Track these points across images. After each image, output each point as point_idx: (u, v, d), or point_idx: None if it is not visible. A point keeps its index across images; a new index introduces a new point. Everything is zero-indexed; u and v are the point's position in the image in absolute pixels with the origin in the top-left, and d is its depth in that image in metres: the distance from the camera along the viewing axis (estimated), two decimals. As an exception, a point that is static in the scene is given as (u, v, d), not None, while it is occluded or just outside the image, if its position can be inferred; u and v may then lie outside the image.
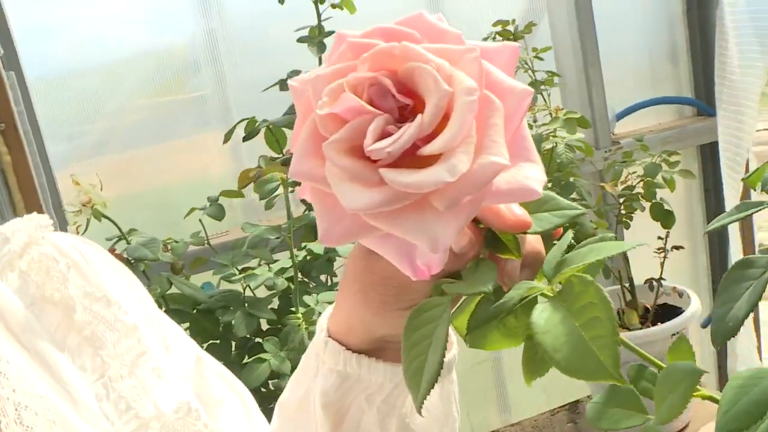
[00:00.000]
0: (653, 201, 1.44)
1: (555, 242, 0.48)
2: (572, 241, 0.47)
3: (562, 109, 1.33)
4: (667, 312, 1.44)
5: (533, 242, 0.45)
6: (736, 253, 1.64)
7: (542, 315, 0.40)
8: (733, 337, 0.50)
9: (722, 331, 0.51)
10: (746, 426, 0.43)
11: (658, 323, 1.39)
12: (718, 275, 1.78)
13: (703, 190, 1.85)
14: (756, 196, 1.95)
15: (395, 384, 0.54)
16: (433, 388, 0.40)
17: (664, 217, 1.45)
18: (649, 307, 1.47)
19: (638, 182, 1.46)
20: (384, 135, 0.34)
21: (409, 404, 0.56)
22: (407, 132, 0.33)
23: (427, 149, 0.33)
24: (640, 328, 1.41)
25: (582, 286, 0.39)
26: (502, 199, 0.36)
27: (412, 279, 0.38)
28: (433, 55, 0.34)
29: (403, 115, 0.35)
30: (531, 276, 0.46)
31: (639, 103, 1.74)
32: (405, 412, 0.56)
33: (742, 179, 0.61)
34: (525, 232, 0.42)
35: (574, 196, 1.41)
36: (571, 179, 1.40)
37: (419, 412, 0.40)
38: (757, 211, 0.59)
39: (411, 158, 0.34)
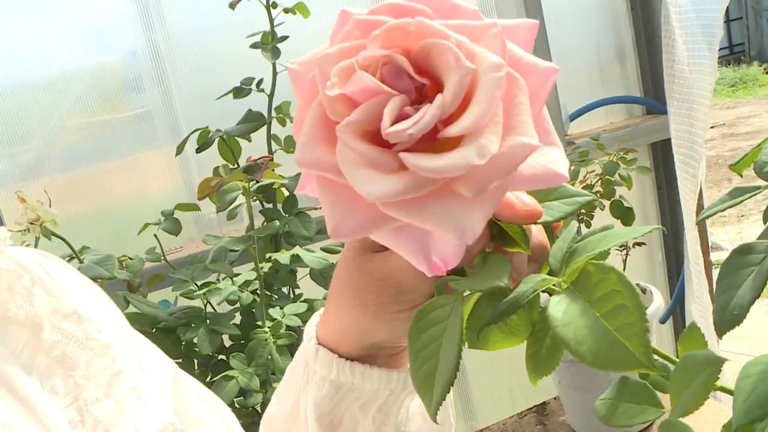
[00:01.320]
0: (612, 199, 1.45)
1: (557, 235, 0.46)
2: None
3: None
4: (631, 309, 1.44)
5: (538, 235, 0.43)
6: (692, 247, 1.66)
7: (559, 307, 0.37)
8: (738, 325, 0.49)
9: (726, 320, 0.49)
10: (766, 413, 0.41)
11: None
12: (674, 271, 1.80)
13: (656, 188, 1.87)
14: (707, 193, 1.98)
15: (390, 391, 0.51)
16: (448, 392, 0.37)
17: (624, 214, 1.45)
18: (612, 304, 1.48)
19: (596, 181, 1.47)
20: (401, 117, 0.31)
21: (405, 412, 0.53)
22: (429, 112, 0.30)
23: (452, 129, 0.30)
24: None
25: (601, 273, 0.37)
26: (527, 185, 0.33)
27: (428, 275, 0.35)
28: (452, 32, 0.32)
29: (418, 97, 0.33)
30: (537, 270, 0.44)
31: (592, 104, 1.75)
32: (401, 420, 0.53)
33: (730, 166, 0.60)
34: (535, 222, 0.40)
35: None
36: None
37: (434, 419, 0.37)
38: (751, 196, 0.58)
39: (428, 143, 0.31)
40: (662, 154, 1.85)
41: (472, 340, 0.47)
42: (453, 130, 0.30)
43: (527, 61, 0.33)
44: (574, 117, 1.73)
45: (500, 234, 0.41)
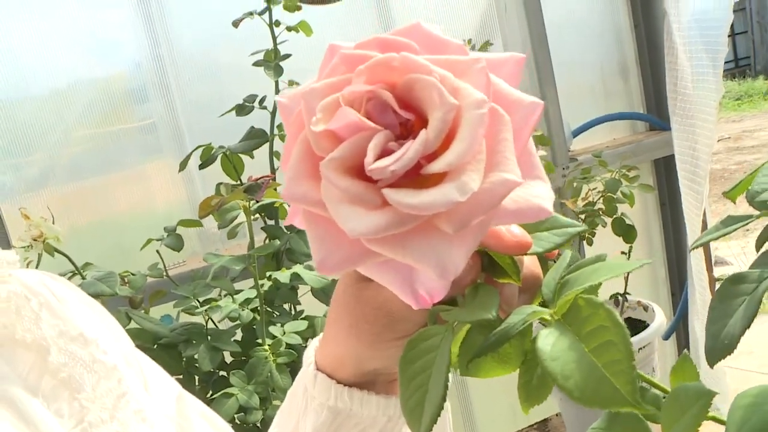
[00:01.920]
0: (614, 216, 1.45)
1: (553, 261, 0.46)
2: (551, 265, 0.45)
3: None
4: (632, 326, 1.44)
5: (530, 265, 0.43)
6: (696, 263, 1.65)
7: (547, 340, 0.37)
8: (729, 355, 0.49)
9: (718, 348, 0.49)
10: (756, 446, 0.41)
11: (625, 338, 1.39)
12: (677, 287, 1.80)
13: (659, 204, 1.86)
14: (712, 207, 1.98)
15: (388, 417, 0.51)
16: (435, 422, 0.37)
17: (625, 231, 1.45)
18: (614, 322, 1.47)
19: (598, 198, 1.47)
20: (385, 153, 0.31)
21: None
22: (412, 149, 0.30)
23: (434, 166, 0.30)
24: (608, 344, 1.40)
25: (591, 308, 0.37)
26: (511, 220, 0.33)
27: (414, 308, 0.35)
28: (437, 67, 0.32)
29: (403, 132, 0.33)
30: (529, 300, 0.44)
31: (594, 120, 1.75)
32: None
33: (724, 193, 0.60)
34: (525, 254, 0.40)
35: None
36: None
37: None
38: (743, 226, 0.58)
39: (412, 179, 0.31)
40: (665, 170, 1.85)
41: (464, 368, 0.47)
42: (436, 167, 0.30)
43: (512, 96, 0.33)
44: (577, 133, 1.74)
45: (491, 265, 0.42)
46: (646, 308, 1.47)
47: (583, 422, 1.42)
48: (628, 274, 1.47)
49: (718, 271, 2.23)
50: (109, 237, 1.50)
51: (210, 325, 1.14)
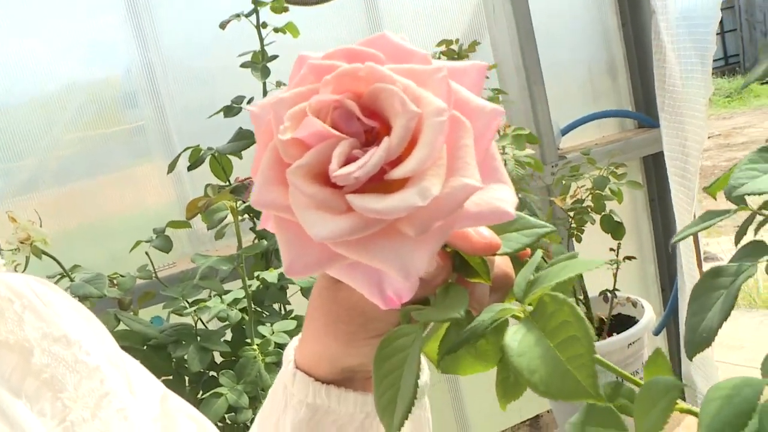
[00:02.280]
0: (603, 213, 1.46)
1: (527, 260, 0.47)
2: (542, 263, 0.46)
3: (510, 126, 1.33)
4: (622, 322, 1.46)
5: (502, 264, 0.44)
6: (686, 259, 1.67)
7: (515, 337, 0.38)
8: (707, 347, 0.50)
9: (696, 341, 0.50)
10: (730, 436, 0.42)
11: (614, 333, 1.40)
12: (666, 283, 1.81)
13: (648, 201, 1.88)
14: (703, 203, 1.99)
15: (366, 414, 0.52)
16: (407, 418, 0.38)
17: (614, 228, 1.46)
18: (604, 318, 1.49)
19: (587, 195, 1.48)
20: (350, 160, 0.32)
21: None
22: (375, 156, 0.31)
23: (396, 173, 0.31)
24: (597, 340, 1.41)
25: (555, 305, 0.38)
26: (473, 223, 0.34)
27: (382, 308, 0.36)
28: (399, 76, 0.33)
29: (369, 139, 0.34)
30: (501, 299, 0.45)
31: (582, 118, 1.77)
32: None
33: (704, 189, 0.61)
34: (494, 254, 0.41)
35: (525, 212, 1.42)
36: (521, 195, 1.41)
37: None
38: (721, 220, 0.59)
39: (377, 183, 0.32)
40: (654, 167, 1.86)
41: (443, 366, 0.48)
42: (398, 173, 0.31)
43: (473, 103, 0.34)
44: (566, 131, 1.75)
45: (462, 265, 0.43)
46: (635, 304, 1.49)
47: (573, 418, 1.43)
48: (617, 270, 1.48)
49: (709, 267, 2.23)
50: (99, 240, 1.51)
51: (200, 325, 1.14)
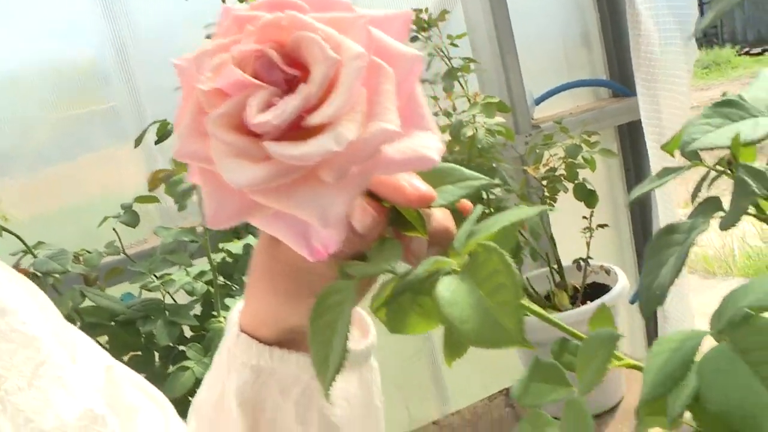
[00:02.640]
0: (576, 182, 1.45)
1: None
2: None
3: (480, 94, 1.33)
4: (597, 290, 1.46)
5: (441, 219, 0.44)
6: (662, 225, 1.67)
7: (448, 287, 0.38)
8: (660, 305, 0.50)
9: (650, 299, 0.50)
10: (669, 389, 0.42)
11: (588, 302, 1.41)
12: (642, 251, 1.81)
13: (623, 170, 1.88)
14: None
15: (311, 375, 0.52)
16: (338, 373, 0.38)
17: (587, 196, 1.46)
18: (578, 287, 1.49)
19: (560, 164, 1.47)
20: (270, 108, 0.32)
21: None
22: (291, 102, 0.31)
23: (314, 119, 0.31)
24: (572, 308, 1.42)
25: (486, 254, 0.37)
26: (397, 169, 0.34)
27: (309, 260, 0.36)
28: (321, 24, 0.32)
29: (292, 88, 0.33)
30: (441, 253, 0.45)
31: (556, 87, 1.76)
32: (323, 404, 0.54)
33: (662, 147, 0.61)
34: (429, 207, 0.41)
35: (497, 181, 1.41)
36: (494, 164, 1.40)
37: (327, 400, 0.38)
38: (676, 176, 0.59)
39: (298, 131, 0.32)
40: (629, 136, 1.86)
41: (390, 325, 0.48)
42: (315, 119, 0.31)
43: (395, 50, 0.34)
44: (539, 101, 1.74)
45: (398, 219, 0.42)
46: (608, 272, 1.49)
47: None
48: (590, 238, 1.48)
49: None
50: (73, 222, 1.49)
51: (170, 301, 1.14)
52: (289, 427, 0.53)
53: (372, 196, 0.41)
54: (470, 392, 1.70)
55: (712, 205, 0.55)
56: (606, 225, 1.47)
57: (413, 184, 0.40)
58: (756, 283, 0.46)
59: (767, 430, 0.35)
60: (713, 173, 0.58)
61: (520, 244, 1.40)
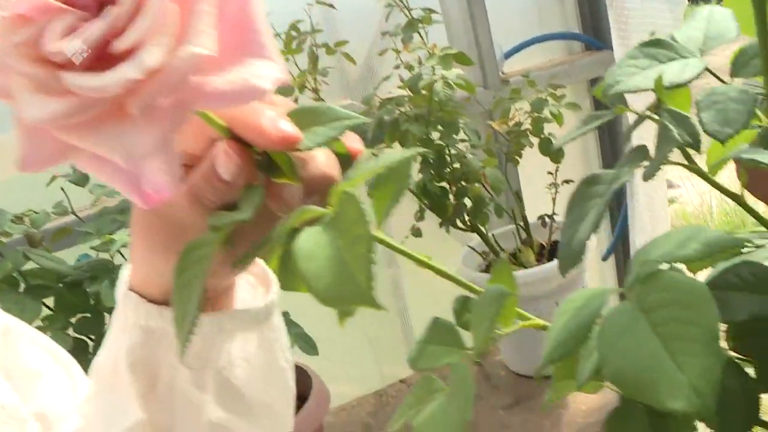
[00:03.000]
0: (542, 137, 1.42)
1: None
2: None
3: (437, 46, 1.29)
4: (562, 248, 1.43)
5: (322, 165, 0.41)
6: (641, 183, 1.64)
7: (308, 239, 0.35)
8: (579, 262, 0.47)
9: (568, 256, 0.47)
10: (571, 350, 0.40)
11: (554, 259, 1.38)
12: (615, 208, 1.79)
13: (597, 125, 1.84)
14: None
15: (203, 336, 0.49)
16: (191, 333, 0.35)
17: (552, 152, 1.43)
18: (544, 244, 1.46)
19: (526, 119, 1.44)
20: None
21: (226, 356, 0.51)
22: (93, 26, 0.28)
23: (118, 44, 0.28)
24: (536, 265, 1.40)
25: (348, 203, 0.34)
26: (224, 102, 0.31)
27: (142, 207, 0.33)
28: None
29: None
30: (322, 203, 0.42)
31: (526, 41, 1.71)
32: (222, 365, 0.51)
33: (593, 93, 0.58)
34: (295, 149, 0.37)
35: (461, 136, 1.38)
36: (460, 121, 1.37)
37: (182, 361, 0.36)
38: (601, 122, 0.56)
39: (108, 61, 0.29)
40: (603, 90, 1.82)
41: (282, 283, 0.45)
42: (120, 45, 0.28)
43: (220, -31, 0.30)
44: (509, 55, 1.70)
45: (268, 164, 0.39)
46: (575, 229, 1.46)
47: (516, 345, 1.42)
48: (556, 194, 1.45)
49: (669, 194, 2.23)
50: (37, 190, 1.46)
51: (121, 261, 1.11)
52: (187, 390, 0.51)
53: (238, 139, 0.38)
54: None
55: (638, 154, 0.52)
56: (571, 180, 1.44)
57: (276, 124, 0.36)
58: (668, 235, 0.44)
59: (665, 398, 0.32)
60: (641, 121, 0.55)
61: (483, 199, 1.37)
